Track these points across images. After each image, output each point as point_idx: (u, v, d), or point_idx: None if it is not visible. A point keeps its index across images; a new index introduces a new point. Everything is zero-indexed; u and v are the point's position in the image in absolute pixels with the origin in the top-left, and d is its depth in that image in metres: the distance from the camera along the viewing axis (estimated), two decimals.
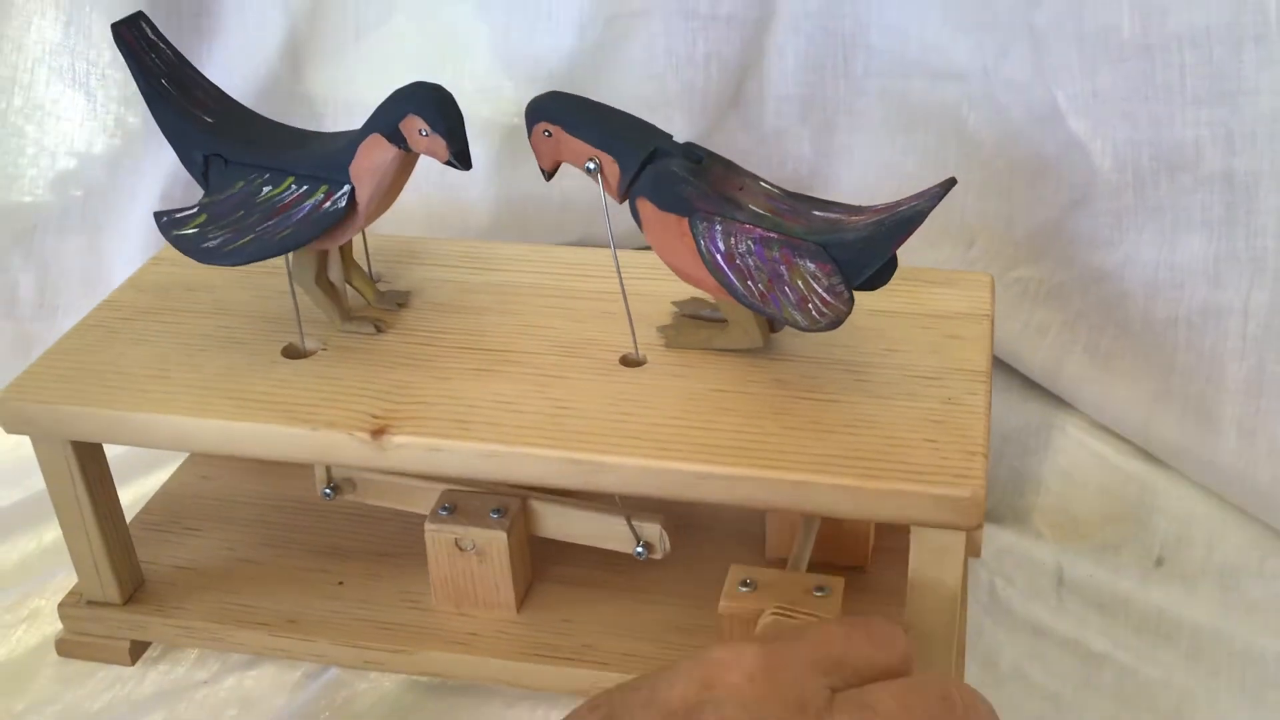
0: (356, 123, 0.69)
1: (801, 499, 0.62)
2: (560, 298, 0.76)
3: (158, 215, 0.71)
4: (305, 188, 0.69)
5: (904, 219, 0.62)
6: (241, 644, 0.75)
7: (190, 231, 0.70)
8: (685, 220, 0.65)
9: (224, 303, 0.77)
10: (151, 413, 0.68)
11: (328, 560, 0.78)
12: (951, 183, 0.62)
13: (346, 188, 0.68)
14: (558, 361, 0.70)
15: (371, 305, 0.75)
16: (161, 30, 0.73)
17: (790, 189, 0.67)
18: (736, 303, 0.66)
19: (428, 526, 0.72)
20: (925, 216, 0.62)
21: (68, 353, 0.73)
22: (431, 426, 0.66)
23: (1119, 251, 0.84)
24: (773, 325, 0.70)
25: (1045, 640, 0.75)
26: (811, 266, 0.63)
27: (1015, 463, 0.87)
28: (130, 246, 0.98)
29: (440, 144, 0.66)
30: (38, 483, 0.85)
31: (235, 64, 0.96)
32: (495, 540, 0.72)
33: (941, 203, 0.88)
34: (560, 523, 0.74)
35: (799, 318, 0.64)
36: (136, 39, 0.71)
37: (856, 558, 0.75)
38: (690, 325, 0.72)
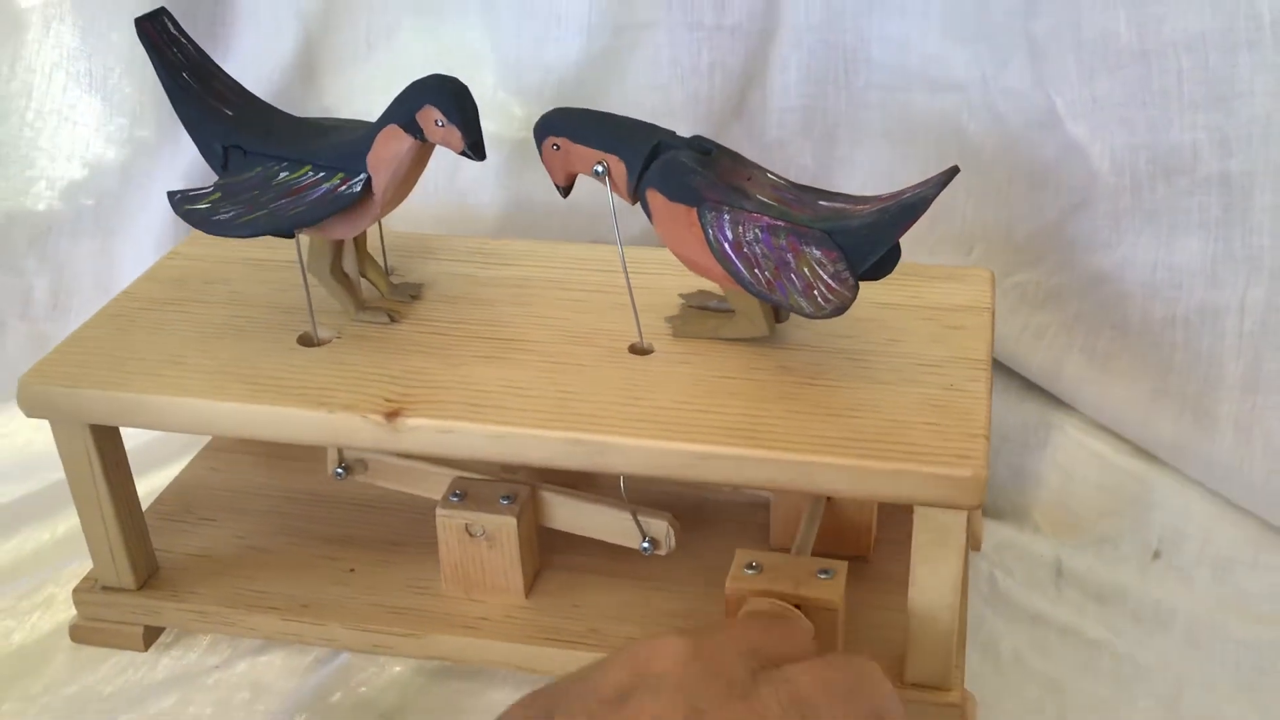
0: None
1: (806, 479, 0.64)
2: (570, 291, 0.77)
3: (171, 194, 0.73)
4: (322, 174, 0.71)
5: (908, 206, 0.64)
6: (254, 628, 0.76)
7: (203, 206, 0.72)
8: (694, 210, 0.67)
9: (239, 294, 0.78)
10: (169, 396, 0.70)
11: (338, 549, 0.80)
12: (954, 171, 0.63)
13: (363, 176, 0.70)
14: (567, 350, 0.72)
15: (385, 297, 0.77)
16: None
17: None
18: (743, 291, 0.68)
19: (439, 512, 0.74)
20: (929, 204, 0.63)
21: (86, 340, 0.75)
22: (444, 409, 0.67)
23: (1117, 253, 0.85)
24: (778, 315, 0.72)
25: (1044, 628, 0.77)
26: (817, 253, 0.65)
27: (1015, 460, 0.88)
28: (143, 250, 1.00)
29: (455, 135, 0.68)
30: (49, 476, 0.88)
31: (247, 74, 0.98)
32: (505, 526, 0.73)
33: (942, 209, 0.90)
34: (568, 514, 0.75)
35: (804, 304, 0.66)
36: (159, 34, 0.73)
37: (859, 548, 0.77)
38: (697, 315, 0.74)
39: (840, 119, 0.94)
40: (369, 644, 0.74)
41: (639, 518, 0.73)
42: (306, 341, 0.74)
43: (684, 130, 0.95)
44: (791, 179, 0.70)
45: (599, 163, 0.68)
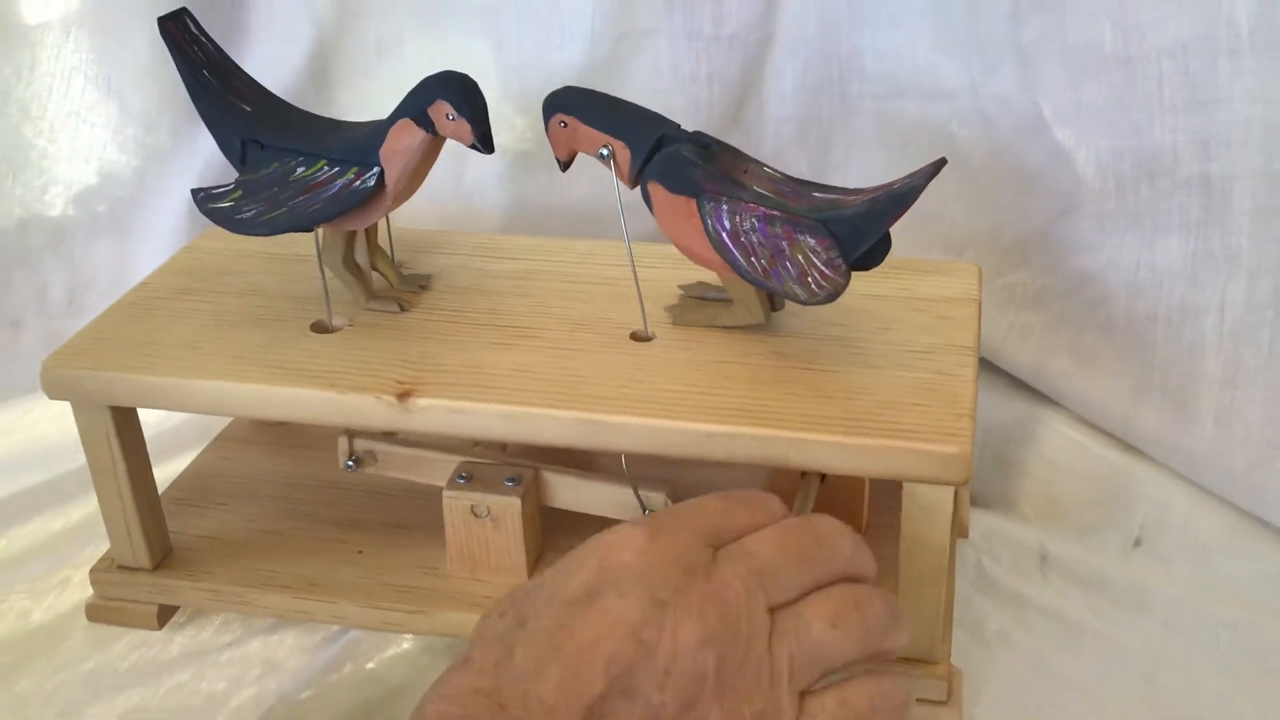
0: None
1: (800, 455, 0.67)
2: (574, 283, 0.80)
3: (194, 191, 0.76)
4: (337, 169, 0.74)
5: (897, 195, 0.66)
6: (267, 607, 0.78)
7: (225, 205, 0.75)
8: (693, 201, 0.70)
9: (254, 285, 0.81)
10: (188, 378, 0.72)
11: (348, 532, 0.82)
12: (942, 163, 0.66)
13: (376, 169, 0.73)
14: (572, 337, 0.75)
15: (395, 287, 0.80)
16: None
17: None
18: (740, 280, 0.71)
19: (446, 493, 0.76)
20: (918, 193, 0.66)
21: (107, 327, 0.78)
22: (454, 391, 0.70)
23: (1101, 255, 0.88)
24: (774, 303, 0.75)
25: (1029, 610, 0.79)
26: (811, 241, 0.67)
27: (1001, 452, 0.91)
28: (157, 252, 1.02)
29: (465, 128, 0.71)
30: (64, 466, 0.91)
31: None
32: (510, 507, 0.76)
33: (934, 214, 0.93)
34: (570, 493, 0.78)
35: (799, 291, 0.69)
36: (181, 32, 0.76)
37: None
38: (696, 304, 0.76)
39: (835, 127, 0.97)
40: (379, 621, 0.77)
41: (639, 491, 0.75)
42: (320, 328, 0.76)
43: None
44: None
45: (604, 146, 0.71)
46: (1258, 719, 0.72)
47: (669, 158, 0.71)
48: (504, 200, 1.02)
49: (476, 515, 0.76)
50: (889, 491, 0.70)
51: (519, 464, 0.78)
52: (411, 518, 0.82)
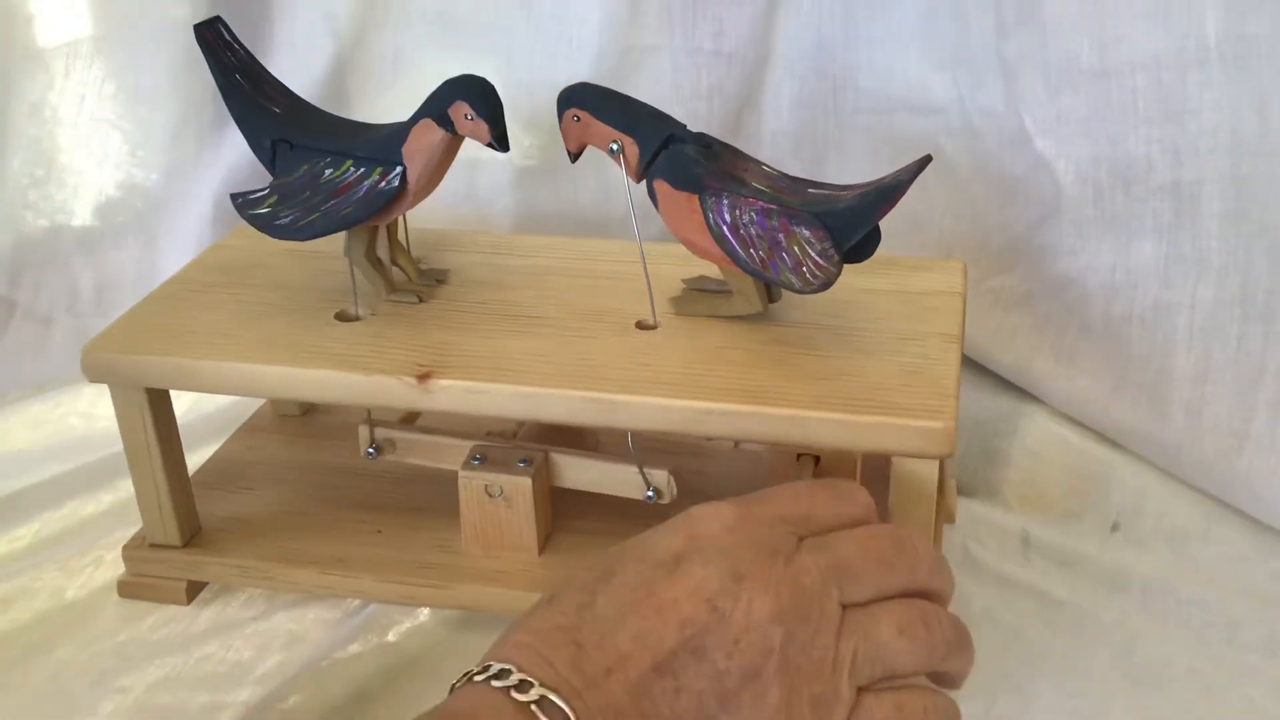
0: None
1: (796, 432, 0.71)
2: (583, 278, 0.85)
3: (233, 196, 0.81)
4: (362, 169, 0.78)
5: (886, 189, 0.71)
6: (293, 582, 0.83)
7: (264, 211, 0.80)
8: (696, 197, 0.75)
9: (281, 278, 0.86)
10: (221, 361, 0.77)
11: (367, 514, 0.87)
12: (927, 159, 0.71)
13: (399, 168, 0.78)
14: (581, 325, 0.79)
15: (414, 281, 0.85)
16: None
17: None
18: (740, 272, 0.76)
19: (460, 474, 0.81)
20: (906, 187, 0.71)
21: (142, 316, 0.82)
22: (472, 373, 0.75)
23: (1080, 259, 0.93)
24: (771, 295, 0.79)
25: (1012, 589, 0.84)
26: (806, 233, 0.72)
27: (987, 444, 0.96)
28: (183, 255, 1.07)
29: (483, 128, 0.76)
30: (94, 454, 0.95)
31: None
32: (521, 486, 0.80)
33: (922, 222, 0.98)
34: (578, 473, 0.82)
35: (794, 280, 0.73)
36: (215, 38, 0.81)
37: None
38: (697, 296, 0.81)
39: (829, 141, 1.02)
40: (398, 595, 0.81)
41: (644, 470, 0.80)
42: (344, 317, 0.81)
43: None
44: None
45: (614, 141, 0.76)
46: (1226, 690, 0.76)
47: (674, 156, 0.76)
48: (513, 208, 1.07)
49: (490, 495, 0.81)
50: (877, 478, 0.75)
51: (530, 447, 0.82)
52: (428, 501, 0.87)
